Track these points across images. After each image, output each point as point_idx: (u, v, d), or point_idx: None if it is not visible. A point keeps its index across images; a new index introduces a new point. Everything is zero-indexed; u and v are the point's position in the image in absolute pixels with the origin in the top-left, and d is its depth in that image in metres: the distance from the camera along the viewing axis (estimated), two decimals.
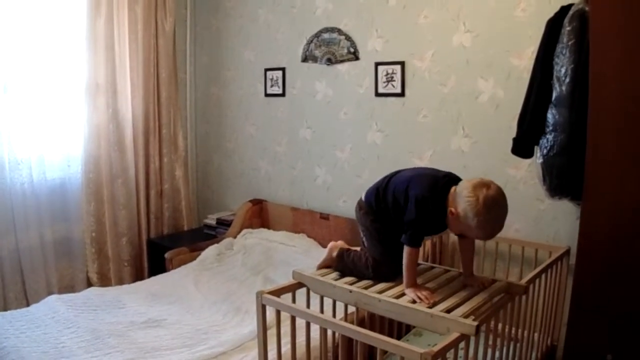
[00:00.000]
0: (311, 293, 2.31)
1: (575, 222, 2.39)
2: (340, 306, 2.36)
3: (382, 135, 3.78)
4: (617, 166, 2.18)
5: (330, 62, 4.02)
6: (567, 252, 2.92)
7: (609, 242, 2.23)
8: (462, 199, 1.97)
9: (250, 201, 4.55)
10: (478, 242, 3.24)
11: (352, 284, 2.19)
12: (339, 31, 3.93)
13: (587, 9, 2.34)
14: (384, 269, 2.24)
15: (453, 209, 2.00)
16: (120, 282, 4.34)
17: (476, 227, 1.95)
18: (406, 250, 2.14)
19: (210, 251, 4.02)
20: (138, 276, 4.52)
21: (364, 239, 2.37)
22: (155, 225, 4.78)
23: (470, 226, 1.96)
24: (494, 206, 1.93)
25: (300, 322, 2.10)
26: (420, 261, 2.50)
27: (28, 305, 3.65)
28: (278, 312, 2.13)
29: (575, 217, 2.75)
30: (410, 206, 2.10)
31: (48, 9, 3.97)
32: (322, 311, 2.29)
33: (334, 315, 2.34)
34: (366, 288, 2.14)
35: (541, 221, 3.13)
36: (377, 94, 3.75)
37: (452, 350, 1.74)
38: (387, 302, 1.99)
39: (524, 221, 3.18)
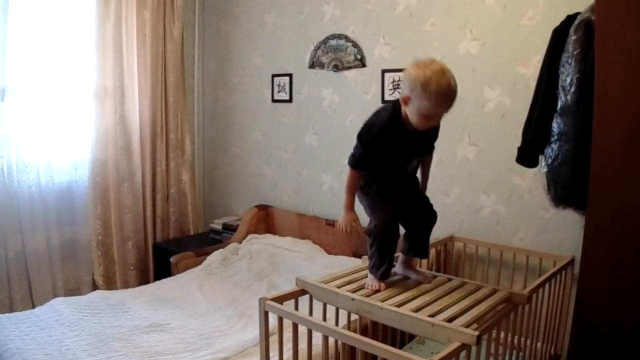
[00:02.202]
0: (314, 300, 2.31)
1: (580, 232, 2.38)
2: (343, 313, 2.36)
3: None
4: (622, 176, 2.17)
5: (337, 68, 4.03)
6: (572, 262, 2.90)
7: (613, 252, 2.22)
8: (405, 80, 2.02)
9: (256, 206, 4.56)
10: (482, 251, 3.26)
11: (354, 291, 2.19)
12: (346, 38, 3.95)
13: (592, 18, 2.33)
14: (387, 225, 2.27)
15: (403, 96, 2.05)
16: (126, 285, 4.36)
17: (425, 96, 1.96)
18: (348, 172, 2.25)
19: (216, 256, 4.02)
20: (143, 280, 4.54)
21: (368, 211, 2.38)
22: (161, 229, 4.79)
23: (421, 100, 1.98)
24: (431, 65, 1.96)
25: (303, 329, 2.10)
26: (423, 269, 2.50)
27: (34, 307, 3.67)
28: (280, 319, 2.13)
29: (580, 226, 2.72)
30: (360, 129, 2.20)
31: (57, 12, 4.01)
32: (324, 318, 2.29)
33: (337, 323, 2.34)
34: (368, 296, 2.14)
35: (546, 230, 3.12)
36: (384, 101, 3.75)
37: None
38: (388, 310, 1.98)
39: (529, 230, 3.18)
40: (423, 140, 2.24)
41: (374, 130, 2.15)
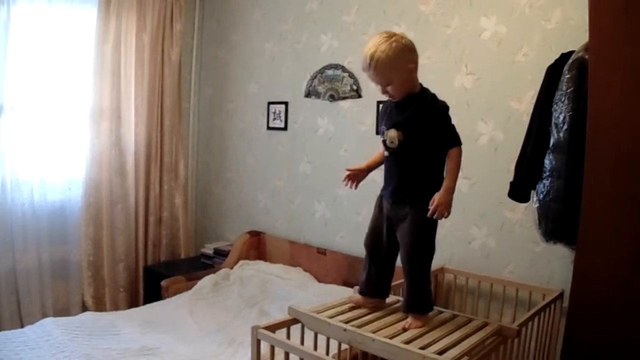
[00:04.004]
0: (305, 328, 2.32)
1: (570, 266, 2.40)
2: (334, 342, 2.36)
3: (381, 174, 3.79)
4: (612, 213, 2.20)
5: (333, 98, 4.07)
6: (561, 295, 2.92)
7: (602, 287, 2.24)
8: None
9: (248, 232, 4.56)
10: (473, 283, 3.27)
11: (347, 322, 2.20)
12: (343, 68, 4.00)
13: (586, 57, 2.37)
14: None
15: None
16: (115, 307, 4.35)
17: None
18: None
19: (207, 281, 4.01)
20: (133, 302, 4.52)
21: None
22: (153, 252, 4.78)
23: None
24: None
25: (294, 358, 2.11)
26: None
27: (22, 326, 3.66)
28: (272, 348, 2.14)
29: (569, 260, 2.75)
30: None
31: (57, 32, 4.05)
32: (315, 347, 2.30)
33: (328, 352, 2.35)
34: (360, 327, 2.15)
35: (536, 264, 3.14)
36: (379, 133, 3.78)
37: None
38: (380, 342, 2.00)
39: (519, 263, 3.20)
40: (402, 112, 2.40)
41: None
